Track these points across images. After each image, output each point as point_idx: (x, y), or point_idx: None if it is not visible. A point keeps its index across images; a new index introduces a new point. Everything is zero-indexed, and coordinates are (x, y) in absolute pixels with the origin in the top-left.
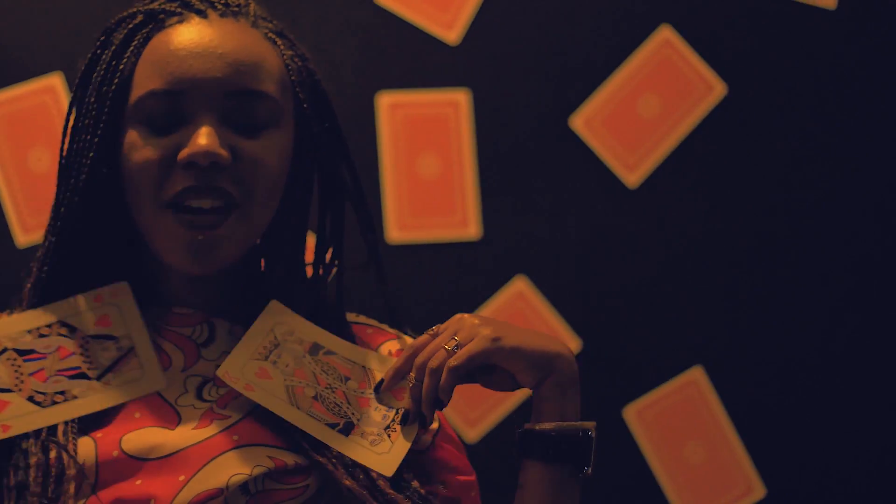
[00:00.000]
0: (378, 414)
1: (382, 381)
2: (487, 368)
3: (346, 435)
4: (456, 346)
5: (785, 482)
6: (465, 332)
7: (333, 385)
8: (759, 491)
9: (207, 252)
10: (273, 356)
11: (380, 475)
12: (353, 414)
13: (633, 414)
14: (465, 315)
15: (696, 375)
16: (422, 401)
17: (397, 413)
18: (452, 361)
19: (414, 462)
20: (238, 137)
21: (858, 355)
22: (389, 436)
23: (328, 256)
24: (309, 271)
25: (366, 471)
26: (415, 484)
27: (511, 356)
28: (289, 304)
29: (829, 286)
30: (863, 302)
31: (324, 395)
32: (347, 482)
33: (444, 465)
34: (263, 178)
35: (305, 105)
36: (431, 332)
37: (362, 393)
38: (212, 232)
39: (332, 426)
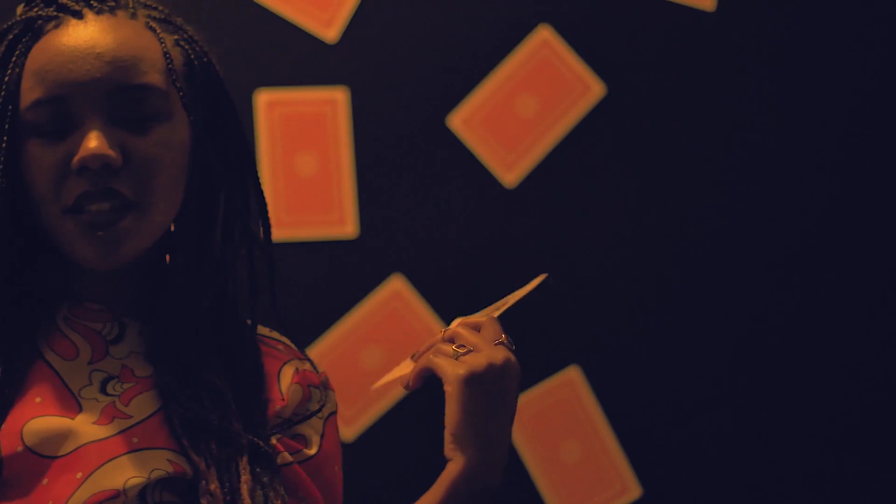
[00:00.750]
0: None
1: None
2: None
3: (410, 358)
4: (455, 353)
5: (661, 482)
6: (475, 361)
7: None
8: (635, 491)
9: (110, 246)
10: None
11: (251, 484)
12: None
13: None
14: (510, 358)
15: (573, 375)
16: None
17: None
18: (429, 353)
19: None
20: (129, 135)
21: (735, 355)
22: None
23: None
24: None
25: (238, 478)
26: (281, 493)
27: (453, 406)
28: (196, 294)
29: (706, 286)
30: (740, 302)
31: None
32: (213, 486)
33: (291, 487)
34: (159, 174)
35: (181, 92)
36: (500, 340)
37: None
38: (111, 228)
39: (413, 355)
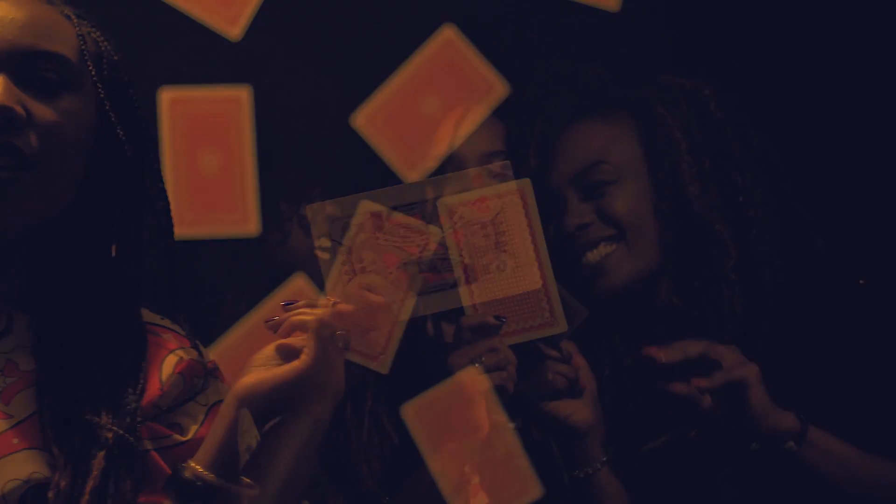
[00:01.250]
0: None
1: None
2: None
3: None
4: (335, 338)
5: (561, 481)
6: (330, 370)
7: None
8: (536, 490)
9: (6, 204)
10: None
11: (95, 482)
12: None
13: (412, 412)
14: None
15: (473, 375)
16: None
17: None
18: (317, 322)
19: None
20: (36, 99)
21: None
22: None
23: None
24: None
25: (85, 479)
26: (134, 486)
27: (288, 370)
28: (88, 286)
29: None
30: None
31: None
32: (63, 483)
33: (151, 476)
34: (60, 140)
35: (93, 73)
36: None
37: None
38: (8, 187)
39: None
